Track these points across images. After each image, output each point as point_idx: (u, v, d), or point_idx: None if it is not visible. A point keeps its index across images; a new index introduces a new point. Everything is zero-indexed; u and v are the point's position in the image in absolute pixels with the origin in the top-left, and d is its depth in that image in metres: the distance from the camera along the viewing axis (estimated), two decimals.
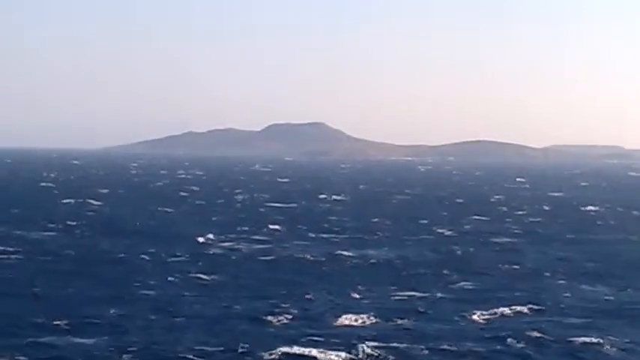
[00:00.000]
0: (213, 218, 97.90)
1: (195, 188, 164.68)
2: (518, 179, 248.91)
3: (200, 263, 61.57)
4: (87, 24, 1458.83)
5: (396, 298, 49.50)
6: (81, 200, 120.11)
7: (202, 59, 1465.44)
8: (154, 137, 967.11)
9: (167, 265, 60.71)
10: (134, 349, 36.63)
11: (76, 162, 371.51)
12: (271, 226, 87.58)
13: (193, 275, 55.96)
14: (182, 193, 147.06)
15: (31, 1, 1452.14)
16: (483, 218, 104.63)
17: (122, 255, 64.79)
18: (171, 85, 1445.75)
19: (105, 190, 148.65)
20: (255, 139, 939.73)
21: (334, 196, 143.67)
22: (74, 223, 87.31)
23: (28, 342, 37.35)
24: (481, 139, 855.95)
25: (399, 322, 42.65)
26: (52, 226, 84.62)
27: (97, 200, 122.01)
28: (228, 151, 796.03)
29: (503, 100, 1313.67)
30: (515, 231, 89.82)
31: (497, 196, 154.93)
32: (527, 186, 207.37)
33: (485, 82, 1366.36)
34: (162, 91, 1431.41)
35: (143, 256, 64.30)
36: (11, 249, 65.75)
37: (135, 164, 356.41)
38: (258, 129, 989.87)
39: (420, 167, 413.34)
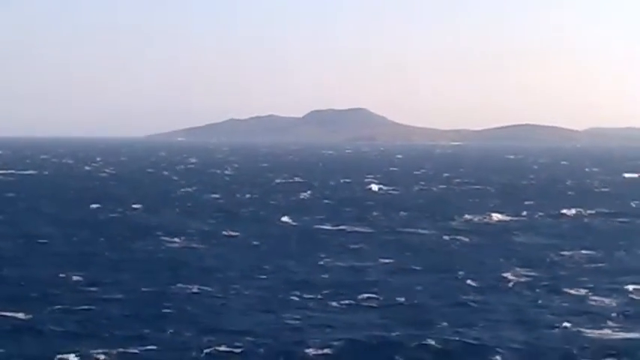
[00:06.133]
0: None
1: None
2: None
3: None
4: (117, 17, 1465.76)
5: None
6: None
7: (242, 46, 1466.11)
8: (195, 125, 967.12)
9: None
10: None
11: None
12: None
13: None
14: None
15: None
16: None
17: None
18: (212, 72, 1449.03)
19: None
20: (296, 126, 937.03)
21: None
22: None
23: None
24: (524, 122, 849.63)
25: None
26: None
27: None
28: (269, 139, 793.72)
29: (541, 82, 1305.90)
30: None
31: None
32: None
33: (523, 63, 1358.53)
34: (203, 78, 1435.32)
35: None
36: None
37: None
38: (300, 115, 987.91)
39: None
